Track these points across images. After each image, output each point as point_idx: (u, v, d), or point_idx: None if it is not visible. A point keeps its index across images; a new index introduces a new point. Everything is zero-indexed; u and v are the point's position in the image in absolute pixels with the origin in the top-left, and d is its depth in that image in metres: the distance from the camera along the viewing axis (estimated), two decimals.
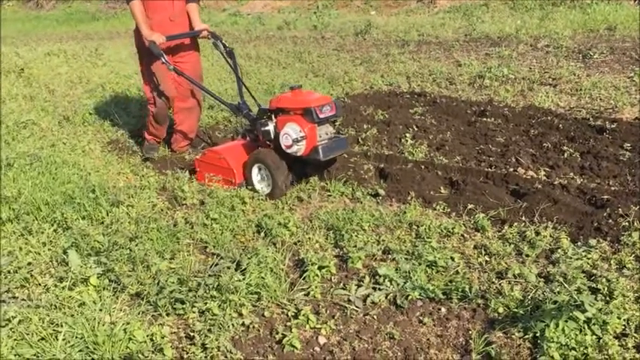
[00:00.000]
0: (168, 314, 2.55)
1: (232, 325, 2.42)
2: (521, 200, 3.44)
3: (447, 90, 6.28)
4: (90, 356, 2.25)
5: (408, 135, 4.69)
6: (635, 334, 2.21)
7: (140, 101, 6.61)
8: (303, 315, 2.45)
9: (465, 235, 3.15)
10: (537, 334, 2.22)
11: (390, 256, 2.93)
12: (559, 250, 2.87)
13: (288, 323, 2.45)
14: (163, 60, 4.09)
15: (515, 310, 2.41)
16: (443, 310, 2.51)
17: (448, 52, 8.09)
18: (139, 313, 2.51)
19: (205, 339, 2.32)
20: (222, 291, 2.55)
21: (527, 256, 2.87)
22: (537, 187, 3.60)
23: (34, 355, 2.25)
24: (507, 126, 4.87)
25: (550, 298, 2.40)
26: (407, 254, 2.90)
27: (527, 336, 2.26)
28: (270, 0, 16.29)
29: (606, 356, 2.09)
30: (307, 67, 8.09)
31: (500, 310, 2.43)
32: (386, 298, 2.58)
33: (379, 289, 2.63)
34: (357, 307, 2.54)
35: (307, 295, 2.66)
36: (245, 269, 2.73)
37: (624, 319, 2.27)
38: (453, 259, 2.83)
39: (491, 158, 4.19)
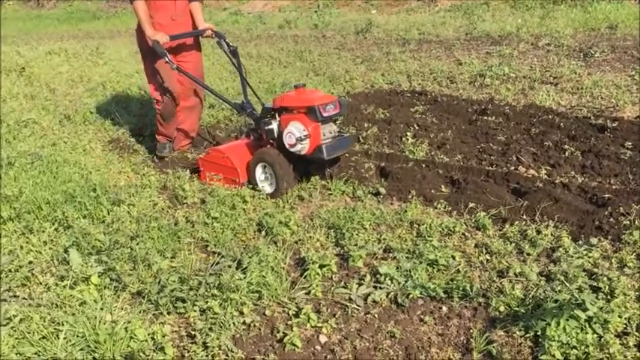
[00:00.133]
0: (169, 313, 2.55)
1: (233, 323, 2.41)
2: (523, 199, 3.43)
3: (447, 89, 6.28)
4: (91, 355, 2.25)
5: (408, 134, 4.69)
6: (636, 333, 2.21)
7: (141, 100, 6.62)
8: (304, 314, 2.45)
9: (466, 233, 3.15)
10: (538, 333, 2.22)
11: (391, 254, 2.93)
12: (560, 249, 2.87)
13: (289, 322, 2.45)
14: (167, 59, 4.09)
15: (517, 308, 2.41)
16: (444, 308, 2.51)
17: (449, 51, 8.08)
18: (140, 312, 2.51)
19: (206, 338, 2.32)
20: (223, 290, 2.56)
21: (528, 254, 2.87)
22: (538, 185, 3.59)
23: (35, 353, 2.25)
24: (508, 125, 4.87)
25: (551, 297, 2.40)
26: (408, 253, 2.90)
27: (528, 335, 2.26)
28: None
29: (607, 355, 2.08)
30: (308, 65, 8.09)
31: (502, 308, 2.43)
32: (387, 296, 2.58)
33: (380, 288, 2.63)
34: (358, 305, 2.54)
35: (308, 293, 2.66)
36: (246, 268, 2.72)
37: (625, 318, 2.26)
38: (454, 257, 2.83)
39: (492, 157, 4.19)
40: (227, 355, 2.26)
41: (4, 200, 3.61)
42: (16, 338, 2.30)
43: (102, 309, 2.48)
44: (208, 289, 2.60)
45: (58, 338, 2.27)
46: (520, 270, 2.69)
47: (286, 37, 11.09)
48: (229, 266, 2.79)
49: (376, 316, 2.47)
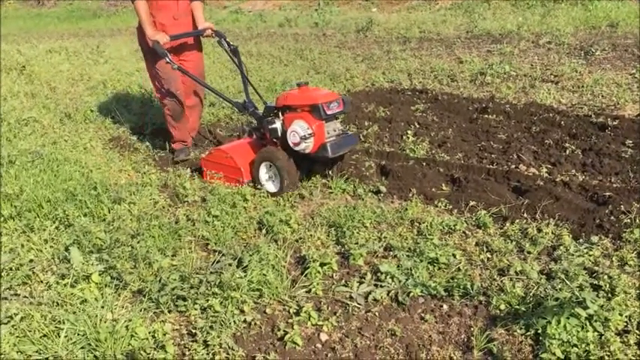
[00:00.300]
0: (170, 311, 2.55)
1: (234, 322, 2.42)
2: (523, 197, 3.43)
3: (448, 87, 6.27)
4: (92, 353, 2.25)
5: (409, 132, 4.69)
6: (636, 331, 2.21)
7: (141, 98, 6.61)
8: (305, 312, 2.45)
9: (467, 232, 3.15)
10: (539, 331, 2.22)
11: (391, 253, 2.93)
12: (561, 247, 2.87)
13: (290, 320, 2.45)
14: (168, 59, 4.07)
15: (517, 307, 2.41)
16: (445, 307, 2.51)
17: (450, 49, 8.07)
18: (140, 310, 2.52)
19: (207, 336, 2.32)
20: (224, 288, 2.56)
21: (528, 253, 2.87)
22: (539, 184, 3.59)
23: (36, 352, 2.25)
24: (509, 123, 4.87)
25: (552, 295, 2.40)
26: (408, 251, 2.90)
27: (528, 333, 2.26)
28: None
29: (608, 353, 2.08)
30: (309, 64, 8.08)
31: (502, 307, 2.43)
32: (387, 295, 2.58)
33: (381, 286, 2.63)
34: (358, 304, 2.54)
35: (309, 292, 2.66)
36: (247, 266, 2.73)
37: (626, 316, 2.27)
38: (454, 256, 2.83)
39: (492, 155, 4.19)
40: (228, 354, 2.26)
41: (4, 198, 3.62)
42: (17, 336, 2.30)
43: (103, 307, 2.48)
44: (209, 288, 2.60)
45: (59, 336, 2.28)
46: (521, 268, 2.69)
47: (287, 35, 11.08)
48: (230, 264, 2.79)
49: (377, 314, 2.47)
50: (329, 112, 3.57)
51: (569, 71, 6.14)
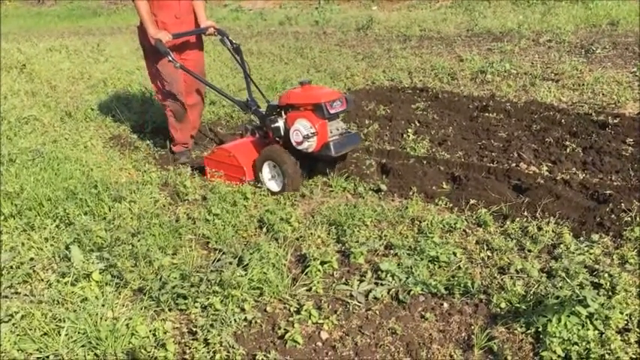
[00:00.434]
0: (170, 309, 2.55)
1: (235, 320, 2.42)
2: (524, 195, 3.43)
3: (449, 85, 6.27)
4: (92, 351, 2.26)
5: (410, 130, 4.69)
6: (637, 329, 2.21)
7: (142, 97, 6.61)
8: (306, 310, 2.45)
9: (467, 230, 3.15)
10: (540, 329, 2.22)
11: (392, 251, 2.93)
12: (561, 246, 2.86)
13: (291, 318, 2.45)
14: (170, 58, 4.06)
15: (518, 305, 2.41)
16: (445, 305, 2.51)
17: (450, 48, 8.06)
18: (141, 309, 2.52)
19: (208, 334, 2.32)
20: (225, 286, 2.56)
21: (529, 251, 2.87)
22: (539, 182, 3.59)
23: (37, 350, 2.26)
24: (509, 121, 4.86)
25: (552, 293, 2.40)
26: (409, 249, 2.90)
27: (529, 331, 2.26)
28: None
29: (608, 351, 2.08)
30: (309, 62, 8.08)
31: (503, 305, 2.43)
32: (388, 293, 2.58)
33: (381, 285, 2.63)
34: (359, 302, 2.54)
35: (309, 290, 2.66)
36: (247, 264, 2.73)
37: (626, 314, 2.27)
38: (455, 254, 2.83)
39: (493, 153, 4.18)
40: (228, 352, 2.26)
41: (5, 197, 3.62)
42: (18, 335, 2.31)
43: (103, 306, 2.48)
44: (209, 286, 2.60)
45: (60, 335, 2.28)
46: (521, 266, 2.68)
47: (287, 33, 11.07)
48: (230, 263, 2.79)
49: (377, 312, 2.47)
50: (332, 111, 3.55)
51: (570, 69, 6.14)
